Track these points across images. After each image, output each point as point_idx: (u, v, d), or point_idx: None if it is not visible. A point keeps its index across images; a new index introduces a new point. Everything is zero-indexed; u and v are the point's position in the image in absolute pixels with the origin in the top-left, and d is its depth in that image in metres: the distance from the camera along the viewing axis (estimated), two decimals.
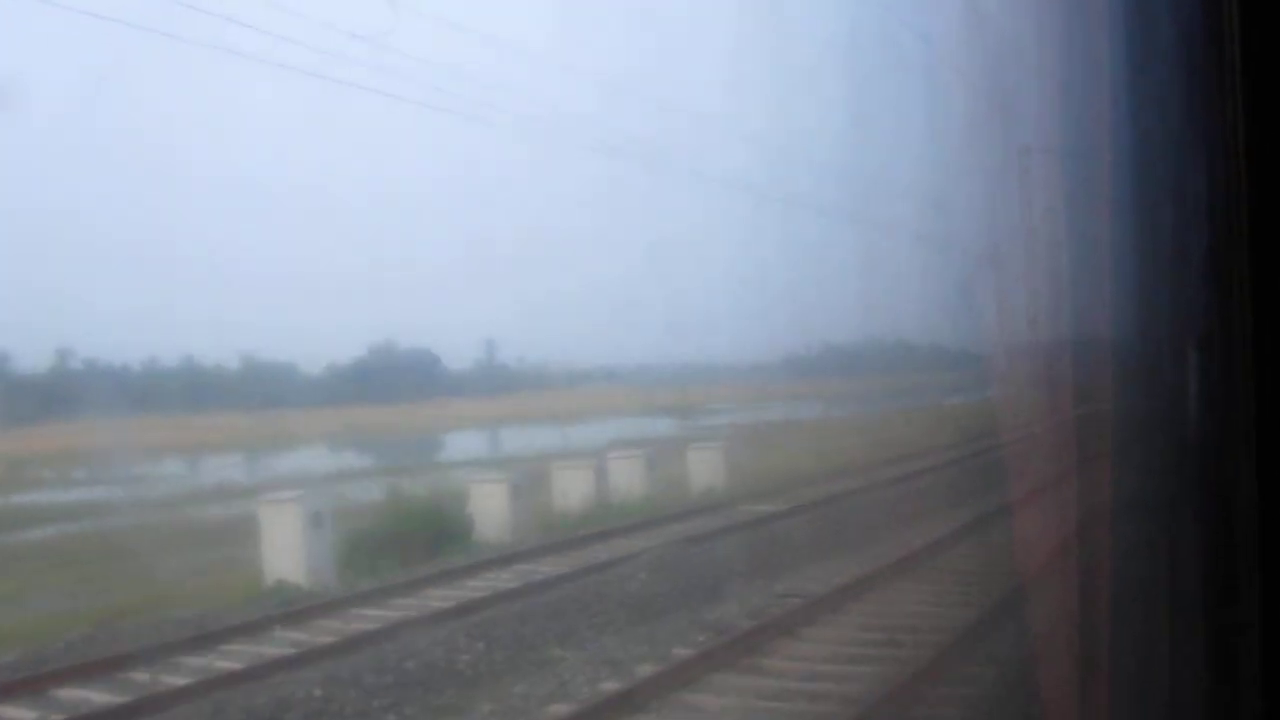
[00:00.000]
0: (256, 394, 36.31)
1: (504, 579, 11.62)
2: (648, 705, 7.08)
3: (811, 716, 7.29)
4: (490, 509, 15.11)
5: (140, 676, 8.41)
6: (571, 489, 17.05)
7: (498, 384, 42.23)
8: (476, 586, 11.25)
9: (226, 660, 8.71)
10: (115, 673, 8.50)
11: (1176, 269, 1.45)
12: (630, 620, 9.45)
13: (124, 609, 10.84)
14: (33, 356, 33.97)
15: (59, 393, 32.36)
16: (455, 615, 9.73)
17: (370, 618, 10.04)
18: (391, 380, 39.12)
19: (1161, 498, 1.55)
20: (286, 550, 12.52)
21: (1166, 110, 1.46)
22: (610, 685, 7.55)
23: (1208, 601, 1.36)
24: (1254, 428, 1.15)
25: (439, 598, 10.74)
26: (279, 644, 9.28)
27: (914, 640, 8.49)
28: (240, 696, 7.59)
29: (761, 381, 36.58)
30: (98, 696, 7.93)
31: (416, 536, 13.86)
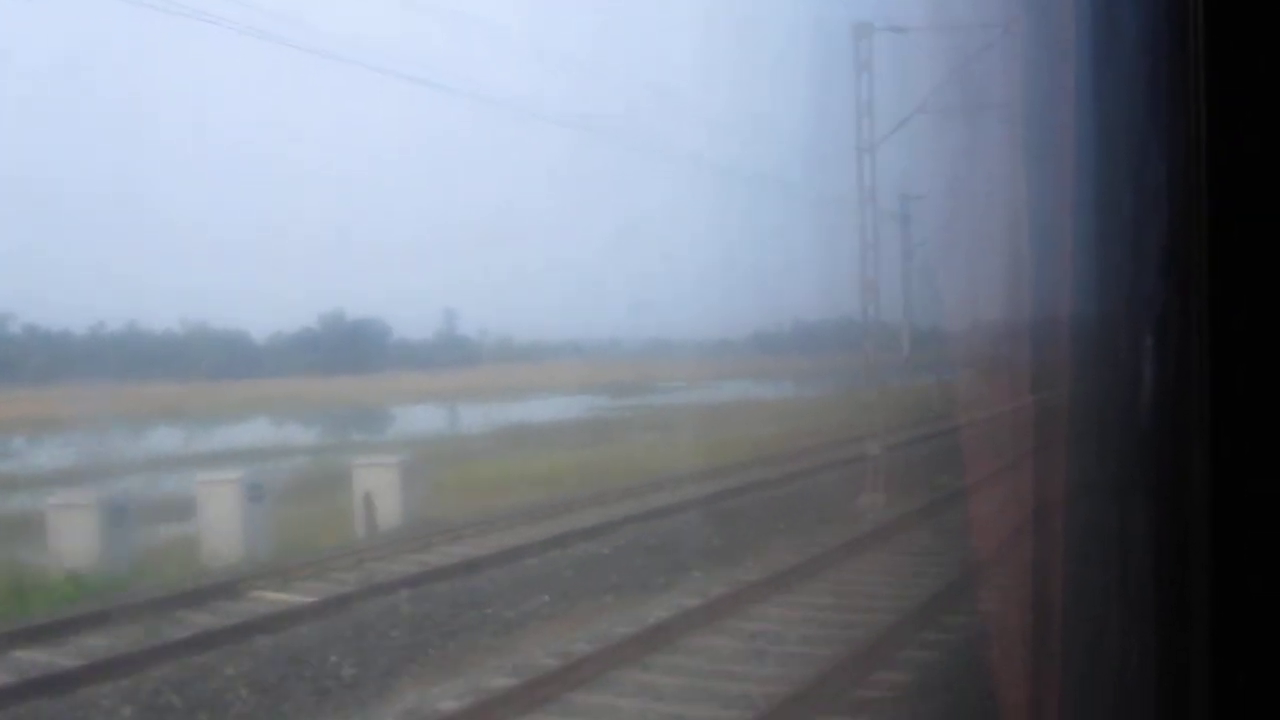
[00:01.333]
0: (188, 363, 35.31)
1: None
2: None
3: None
4: None
5: None
6: (67, 542, 11.31)
7: (452, 357, 41.62)
8: None
9: None
10: None
11: (1136, 257, 1.48)
12: None
13: None
14: None
15: None
16: None
17: None
18: (335, 351, 38.32)
19: (1116, 480, 1.59)
20: None
21: (1130, 103, 1.49)
22: None
23: (1159, 581, 1.39)
24: (1208, 412, 1.18)
25: None
26: None
27: None
28: None
29: (726, 358, 36.52)
30: None
31: None
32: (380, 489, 13.87)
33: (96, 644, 8.75)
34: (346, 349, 39.37)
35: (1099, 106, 1.59)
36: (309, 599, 10.11)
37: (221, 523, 12.06)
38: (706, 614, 9.46)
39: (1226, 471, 1.16)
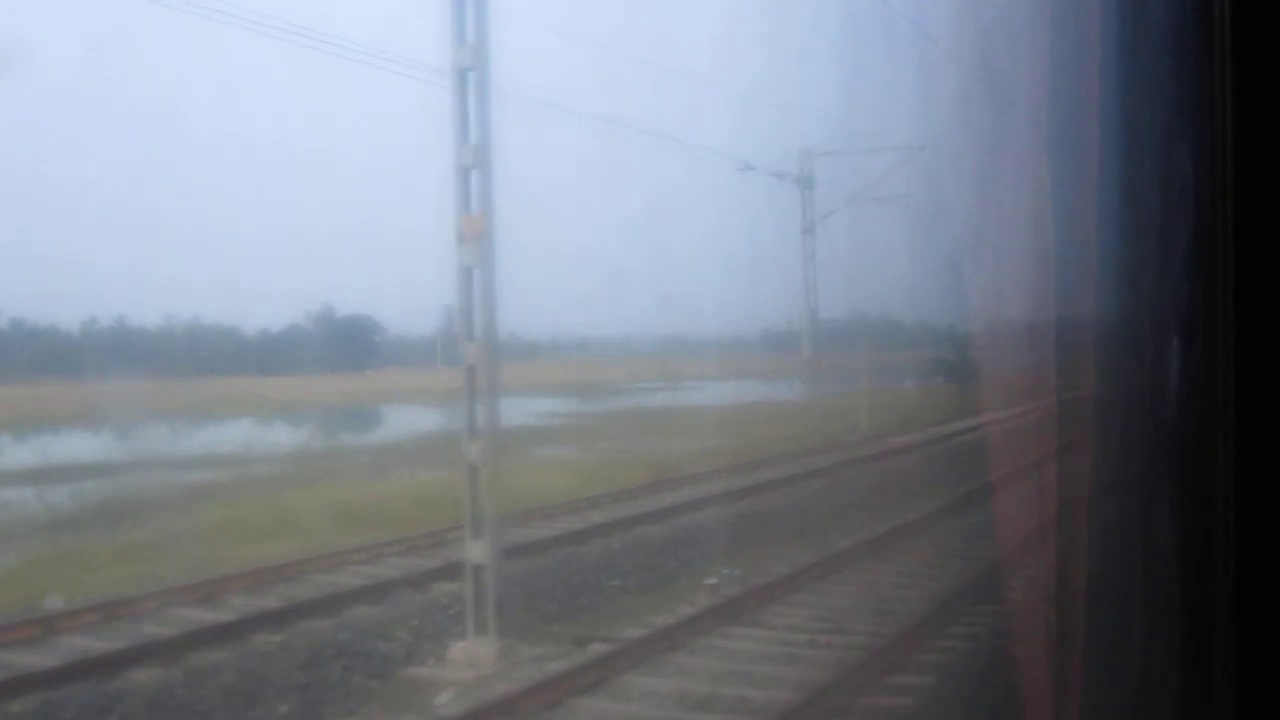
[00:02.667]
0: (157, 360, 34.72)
1: None
2: None
3: None
4: None
5: None
6: None
7: (432, 355, 40.75)
8: None
9: None
10: None
11: (1161, 255, 1.47)
12: None
13: None
14: None
15: None
16: None
17: None
18: (305, 349, 37.69)
19: (1140, 480, 1.58)
20: None
21: (1156, 99, 1.48)
22: None
23: (1183, 582, 1.38)
24: (1233, 413, 1.18)
25: None
26: None
27: None
28: None
29: (732, 356, 35.84)
30: None
31: None
32: None
33: None
34: (324, 346, 38.99)
35: (1126, 106, 1.58)
36: None
37: None
38: None
39: (1251, 473, 1.15)
